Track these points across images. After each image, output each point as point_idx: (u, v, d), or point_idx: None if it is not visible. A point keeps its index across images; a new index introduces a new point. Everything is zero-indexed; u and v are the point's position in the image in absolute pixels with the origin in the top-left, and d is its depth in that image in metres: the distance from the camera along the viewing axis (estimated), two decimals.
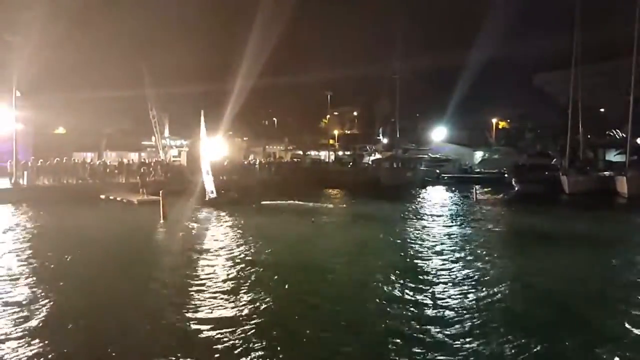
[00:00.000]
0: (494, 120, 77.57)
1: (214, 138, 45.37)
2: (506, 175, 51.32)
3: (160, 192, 25.80)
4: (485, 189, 47.21)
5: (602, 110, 66.62)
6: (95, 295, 12.24)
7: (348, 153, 71.37)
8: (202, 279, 13.71)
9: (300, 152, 70.77)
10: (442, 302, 11.77)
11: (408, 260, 16.41)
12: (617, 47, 51.56)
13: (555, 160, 52.52)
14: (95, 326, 10.16)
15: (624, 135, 46.69)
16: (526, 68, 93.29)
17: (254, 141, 64.77)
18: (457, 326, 10.27)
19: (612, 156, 54.85)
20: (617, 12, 51.45)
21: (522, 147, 61.02)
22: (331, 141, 77.64)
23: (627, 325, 10.41)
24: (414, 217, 27.43)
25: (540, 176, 45.45)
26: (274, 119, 78.46)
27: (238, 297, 12.13)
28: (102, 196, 32.96)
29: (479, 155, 68.36)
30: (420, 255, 17.16)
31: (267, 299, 11.92)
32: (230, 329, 9.93)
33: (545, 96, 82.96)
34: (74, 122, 44.65)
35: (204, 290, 12.65)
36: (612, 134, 60.08)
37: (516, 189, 46.20)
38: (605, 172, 45.25)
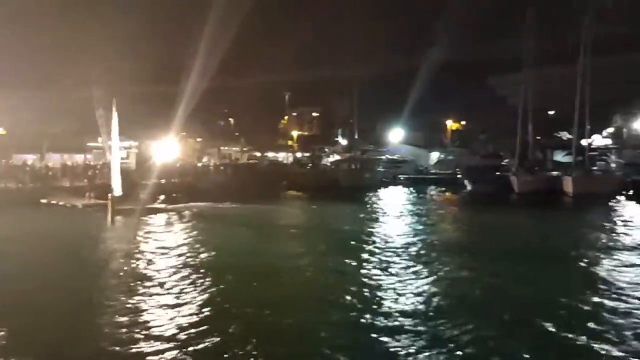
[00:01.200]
0: (449, 122, 78.85)
1: (165, 139, 44.36)
2: (459, 175, 52.24)
3: (109, 195, 24.86)
4: (440, 189, 48.15)
5: (551, 112, 68.75)
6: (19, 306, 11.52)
7: (307, 154, 71.08)
8: (145, 286, 13.29)
9: (258, 154, 70.00)
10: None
11: (365, 259, 16.36)
12: (567, 51, 53.20)
13: (506, 160, 53.81)
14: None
15: (571, 137, 48.22)
16: (480, 71, 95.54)
17: (209, 142, 63.49)
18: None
19: (560, 157, 56.60)
20: (568, 18, 53.14)
21: (475, 148, 62.19)
22: (290, 142, 77.19)
23: None
24: (372, 218, 27.58)
25: (492, 176, 46.46)
26: (230, 119, 77.28)
27: (177, 304, 11.72)
28: (44, 201, 31.47)
29: (434, 156, 69.28)
30: (374, 259, 17.04)
31: (207, 304, 11.60)
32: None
33: (498, 98, 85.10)
34: (14, 123, 42.60)
35: (144, 296, 12.29)
36: (560, 135, 62.09)
37: (468, 188, 47.10)
38: (553, 172, 46.62)
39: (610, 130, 65.06)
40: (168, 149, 43.26)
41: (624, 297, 12.26)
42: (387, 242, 19.89)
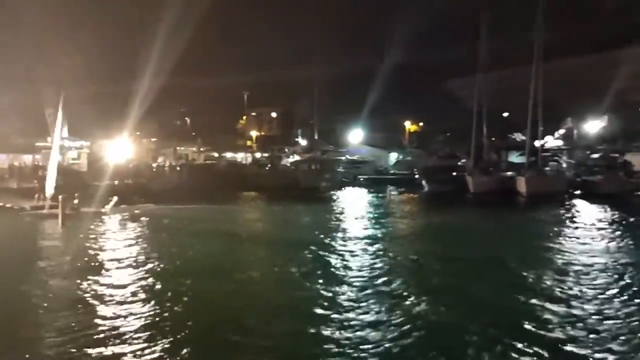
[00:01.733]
0: (407, 124, 79.86)
1: (119, 139, 43.08)
2: (417, 176, 52.89)
3: (60, 197, 23.76)
4: (399, 190, 48.65)
5: (505, 114, 70.60)
6: None
7: (266, 155, 70.52)
8: (93, 291, 12.78)
9: (215, 154, 68.90)
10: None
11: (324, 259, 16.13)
12: (520, 54, 54.65)
13: (463, 161, 54.86)
14: None
15: (524, 138, 49.55)
16: (438, 74, 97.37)
17: (164, 142, 62.00)
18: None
19: (514, 158, 58.14)
20: (521, 22, 54.60)
21: (433, 149, 63.20)
22: (248, 142, 76.37)
23: None
24: (332, 218, 27.49)
25: (448, 177, 47.21)
26: (186, 118, 75.74)
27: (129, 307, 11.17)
28: None
29: (393, 157, 70.02)
30: (333, 256, 16.86)
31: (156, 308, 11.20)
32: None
33: (455, 101, 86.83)
34: None
35: (92, 301, 11.81)
36: (514, 136, 63.81)
37: (426, 189, 47.71)
38: (507, 173, 47.76)
39: (562, 131, 67.40)
40: (121, 149, 42.00)
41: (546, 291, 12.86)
42: (345, 243, 19.78)
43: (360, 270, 15.09)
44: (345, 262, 16.19)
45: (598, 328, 10.21)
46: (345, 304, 11.77)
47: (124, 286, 13.21)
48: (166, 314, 11.01)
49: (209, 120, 68.90)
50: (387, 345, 9.35)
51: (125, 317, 10.82)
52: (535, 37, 44.85)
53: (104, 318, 10.72)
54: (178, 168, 49.44)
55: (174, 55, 46.43)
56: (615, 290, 13.03)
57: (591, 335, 9.80)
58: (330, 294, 12.43)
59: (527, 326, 10.25)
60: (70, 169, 41.21)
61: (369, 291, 12.81)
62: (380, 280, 13.90)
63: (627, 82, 76.55)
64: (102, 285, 13.34)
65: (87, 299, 12.19)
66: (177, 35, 45.65)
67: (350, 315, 10.87)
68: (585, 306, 11.67)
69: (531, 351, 9.02)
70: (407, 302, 11.88)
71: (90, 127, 42.73)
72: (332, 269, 15.26)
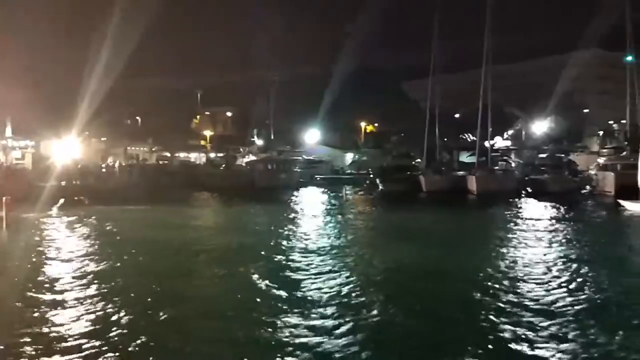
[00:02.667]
0: (363, 124, 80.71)
1: (66, 138, 41.60)
2: (372, 175, 53.52)
3: (4, 198, 22.64)
4: (355, 189, 49.09)
5: (457, 115, 72.49)
6: None
7: (221, 155, 69.63)
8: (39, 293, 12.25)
9: (168, 154, 67.48)
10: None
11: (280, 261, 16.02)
12: (471, 58, 56.20)
13: (417, 161, 55.91)
14: None
15: (475, 139, 50.98)
16: (393, 75, 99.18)
17: (114, 142, 60.21)
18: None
19: (465, 157, 59.74)
20: (473, 26, 56.23)
21: (388, 149, 64.09)
22: (202, 142, 75.20)
23: None
24: (288, 218, 27.43)
25: (402, 176, 47.98)
26: (138, 118, 73.70)
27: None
28: None
29: (349, 157, 70.66)
30: (288, 258, 16.73)
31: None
32: None
33: (410, 102, 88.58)
34: None
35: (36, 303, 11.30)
36: (464, 137, 65.59)
37: (381, 188, 48.32)
38: (459, 172, 49.02)
39: (510, 132, 69.77)
40: (69, 149, 40.53)
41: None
42: (301, 243, 19.73)
43: (317, 268, 15.09)
44: (299, 265, 16.11)
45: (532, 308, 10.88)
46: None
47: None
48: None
49: (161, 120, 67.25)
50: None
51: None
52: (485, 41, 46.15)
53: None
54: (128, 168, 48.12)
55: (125, 54, 45.29)
56: (551, 276, 13.84)
57: (528, 318, 10.33)
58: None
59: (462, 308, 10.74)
60: (13, 169, 39.44)
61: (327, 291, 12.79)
62: (338, 282, 13.92)
63: (572, 85, 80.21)
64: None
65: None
66: (128, 34, 44.58)
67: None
68: (524, 292, 12.30)
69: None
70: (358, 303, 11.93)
71: (36, 127, 41.02)
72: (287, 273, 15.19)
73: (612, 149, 52.28)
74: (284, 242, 19.81)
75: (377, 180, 50.30)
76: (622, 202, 30.74)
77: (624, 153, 46.22)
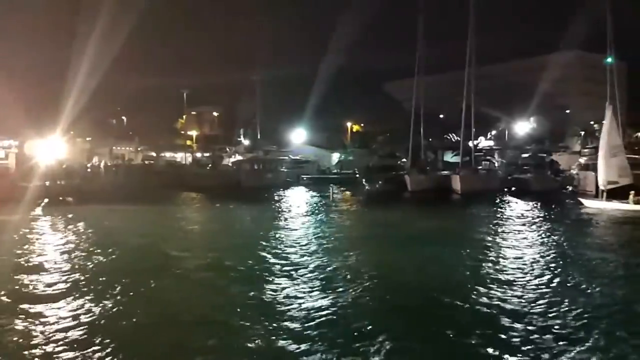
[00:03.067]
0: (349, 124, 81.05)
1: (51, 138, 41.29)
2: (358, 175, 53.83)
3: None
4: (341, 189, 49.26)
5: (441, 116, 73.17)
6: None
7: (207, 155, 69.48)
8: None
9: (154, 154, 67.11)
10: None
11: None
12: (455, 59, 56.78)
13: (403, 161, 56.36)
14: None
15: (459, 139, 51.58)
16: (378, 76, 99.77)
17: (100, 141, 59.76)
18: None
19: (449, 157, 60.38)
20: (457, 28, 56.79)
21: (374, 149, 64.46)
22: (189, 142, 74.94)
23: None
24: (274, 217, 27.56)
25: (388, 176, 48.34)
26: (123, 117, 73.17)
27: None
28: None
29: (335, 157, 70.87)
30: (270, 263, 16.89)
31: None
32: None
33: (395, 103, 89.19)
34: None
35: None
36: (449, 137, 66.27)
37: (367, 188, 48.62)
38: (443, 172, 49.54)
39: (494, 132, 70.62)
40: (54, 148, 40.21)
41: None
42: (286, 243, 19.92)
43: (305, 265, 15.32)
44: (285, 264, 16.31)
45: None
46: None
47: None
48: None
49: (147, 120, 66.89)
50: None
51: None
52: (468, 42, 46.70)
53: None
54: (114, 168, 47.85)
55: (111, 53, 45.07)
56: (532, 269, 14.67)
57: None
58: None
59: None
60: None
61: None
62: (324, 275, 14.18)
63: (554, 86, 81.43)
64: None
65: None
66: (114, 33, 44.37)
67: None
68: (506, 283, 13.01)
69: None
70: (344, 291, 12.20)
71: (20, 127, 40.60)
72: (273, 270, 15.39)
73: (593, 149, 53.23)
74: (269, 242, 19.89)
75: (363, 180, 50.60)
76: (581, 199, 32.50)
77: None
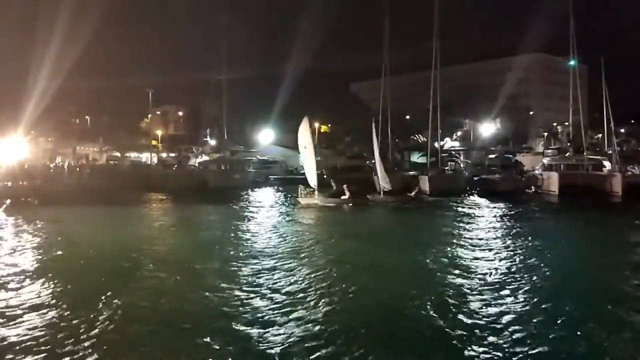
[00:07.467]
0: (317, 125, 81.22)
1: (11, 138, 39.96)
2: (325, 176, 53.86)
3: None
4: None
5: (407, 117, 74.13)
6: None
7: (173, 155, 68.43)
8: None
9: (118, 154, 65.66)
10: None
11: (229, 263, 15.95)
12: (421, 61, 57.60)
13: (371, 162, 56.68)
14: None
15: (425, 140, 52.31)
16: (344, 77, 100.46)
17: (62, 142, 58.07)
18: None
19: (416, 158, 61.17)
20: (422, 29, 57.63)
21: (341, 150, 64.76)
22: (154, 142, 73.60)
23: None
24: (239, 217, 27.24)
25: (356, 177, 48.55)
26: (87, 117, 71.27)
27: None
28: None
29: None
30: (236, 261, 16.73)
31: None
32: None
33: (361, 103, 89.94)
34: None
35: None
36: (415, 137, 67.20)
37: (334, 188, 48.68)
38: (410, 172, 50.07)
39: (459, 133, 72.08)
40: (15, 148, 38.88)
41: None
42: (251, 243, 19.79)
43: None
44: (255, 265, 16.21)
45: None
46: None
47: None
48: None
49: (111, 119, 65.42)
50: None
51: None
52: (434, 44, 47.35)
53: None
54: (78, 169, 46.56)
55: (73, 53, 43.94)
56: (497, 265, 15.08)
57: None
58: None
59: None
60: None
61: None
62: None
63: (517, 88, 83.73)
64: None
65: None
66: (77, 32, 43.30)
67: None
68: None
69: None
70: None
71: None
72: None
73: (555, 150, 55.06)
74: (234, 244, 19.63)
75: (331, 181, 50.65)
76: (298, 198, 34.69)
77: (567, 154, 48.83)
